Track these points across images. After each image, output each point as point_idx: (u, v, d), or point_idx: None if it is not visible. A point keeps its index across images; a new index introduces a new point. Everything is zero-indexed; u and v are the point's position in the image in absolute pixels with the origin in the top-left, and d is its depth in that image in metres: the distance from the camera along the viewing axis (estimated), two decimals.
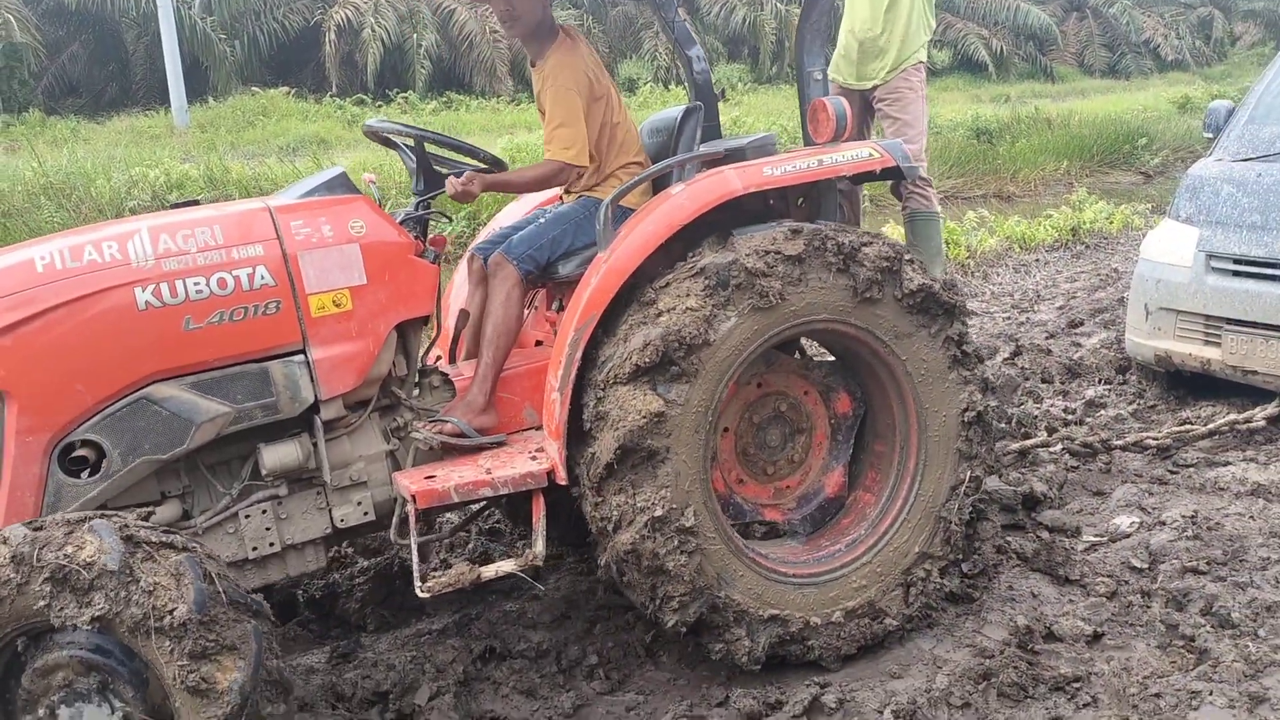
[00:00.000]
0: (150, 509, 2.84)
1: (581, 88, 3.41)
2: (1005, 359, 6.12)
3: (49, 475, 2.73)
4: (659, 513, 2.86)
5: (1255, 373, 4.82)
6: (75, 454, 2.76)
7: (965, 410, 3.24)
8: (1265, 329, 4.75)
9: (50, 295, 2.71)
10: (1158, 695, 2.87)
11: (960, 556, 3.40)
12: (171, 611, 2.31)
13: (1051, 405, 5.39)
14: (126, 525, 2.43)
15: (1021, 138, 17.55)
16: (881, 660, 3.19)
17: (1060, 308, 7.61)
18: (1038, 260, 9.73)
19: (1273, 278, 4.77)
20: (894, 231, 6.85)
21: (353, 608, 3.71)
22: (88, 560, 2.31)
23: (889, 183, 5.02)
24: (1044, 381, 5.83)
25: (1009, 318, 7.49)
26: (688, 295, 2.93)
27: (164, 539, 2.45)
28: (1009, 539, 3.86)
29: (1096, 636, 3.24)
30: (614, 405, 2.89)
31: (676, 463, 2.90)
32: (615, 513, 2.90)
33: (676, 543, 2.89)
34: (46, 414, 2.70)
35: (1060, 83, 31.17)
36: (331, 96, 21.78)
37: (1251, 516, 3.91)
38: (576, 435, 3.00)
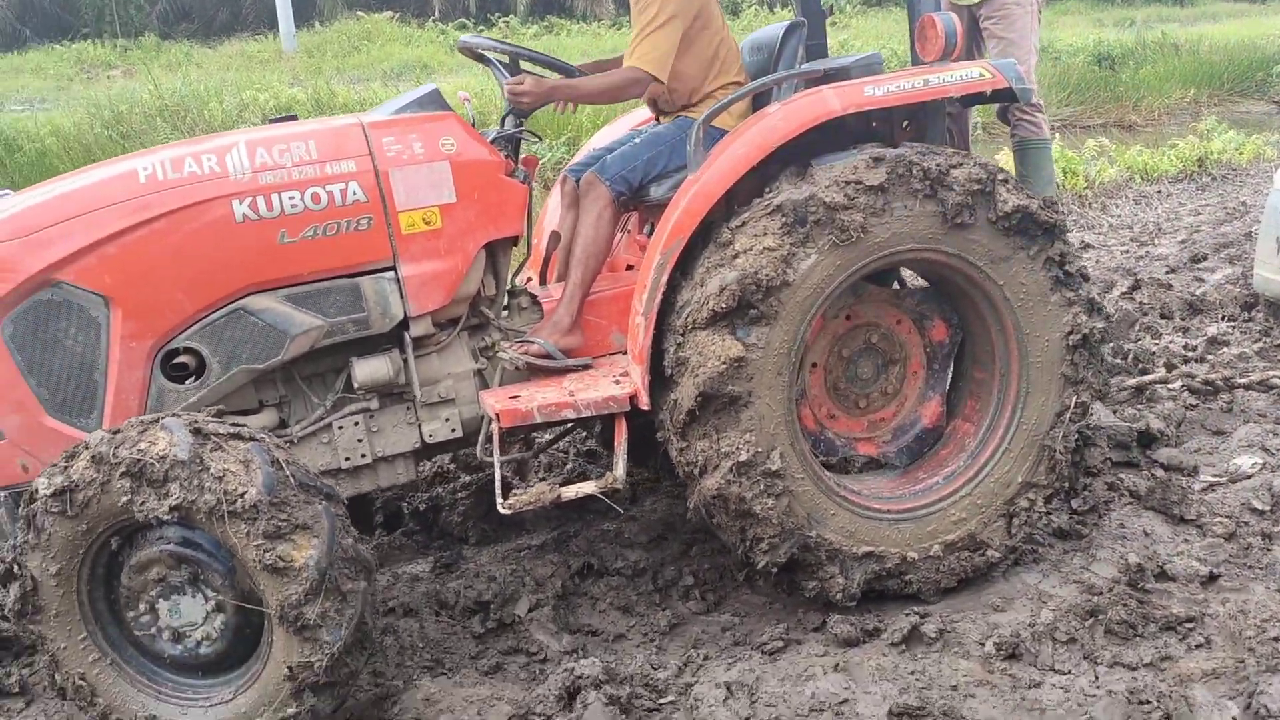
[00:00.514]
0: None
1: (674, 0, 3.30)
2: (1123, 293, 5.87)
3: (151, 380, 2.83)
4: (744, 457, 2.83)
5: None
6: (177, 360, 2.85)
7: (1069, 334, 3.08)
8: None
9: (154, 205, 2.78)
10: (1276, 639, 2.76)
11: (1066, 486, 3.27)
12: (242, 495, 2.40)
13: (1170, 342, 5.15)
14: (195, 420, 2.53)
15: (1146, 64, 16.66)
16: (984, 593, 3.13)
17: (1183, 241, 7.26)
18: (1160, 192, 9.27)
19: None
20: (1005, 161, 6.59)
21: (455, 521, 3.80)
22: (160, 454, 2.41)
23: (997, 107, 4.78)
24: (1163, 318, 5.58)
25: (1127, 251, 7.19)
26: (764, 234, 2.84)
27: (232, 431, 2.55)
28: (1122, 476, 3.73)
29: (1212, 578, 3.12)
30: (693, 351, 2.85)
31: (760, 406, 2.85)
32: (700, 458, 2.88)
33: (763, 486, 2.86)
34: (149, 320, 2.79)
35: (1190, 6, 29.41)
36: (434, 21, 21.87)
37: None
38: (662, 365, 2.98)
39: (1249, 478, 3.71)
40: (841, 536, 3.01)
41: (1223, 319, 5.52)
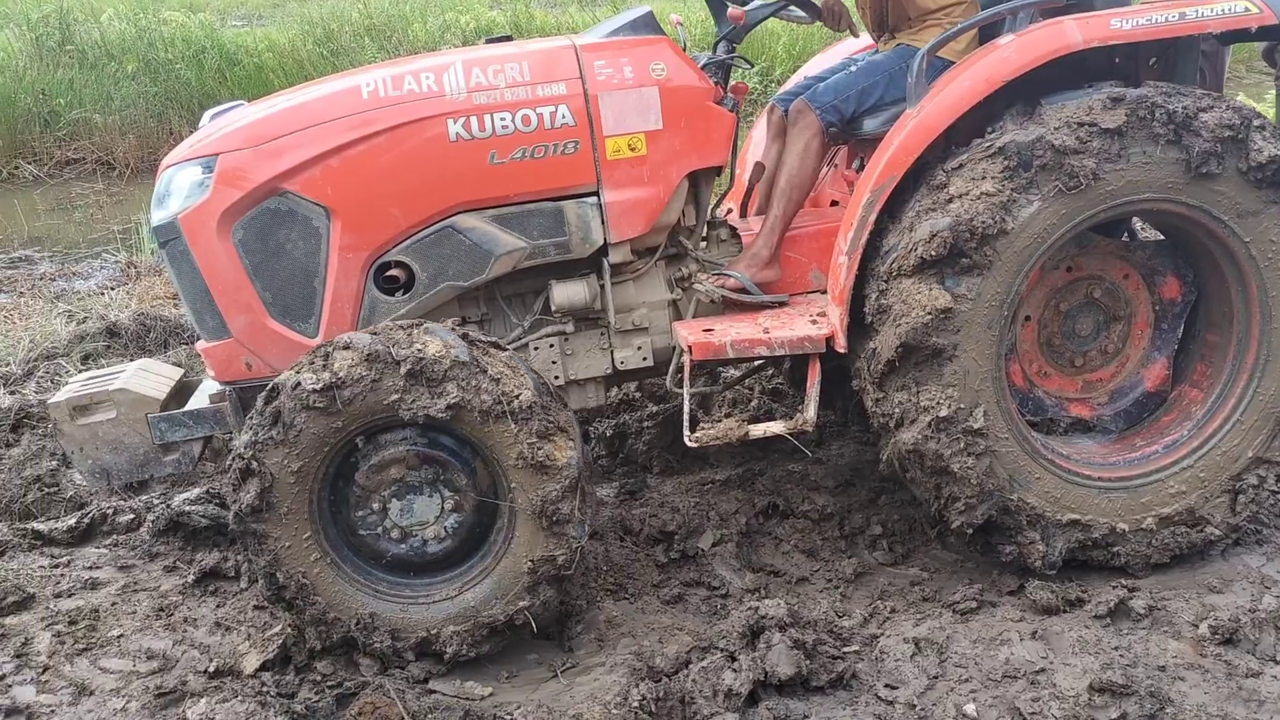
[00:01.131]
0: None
1: None
2: None
3: (365, 290, 2.93)
4: (944, 413, 2.71)
5: None
6: (389, 273, 2.94)
7: None
8: None
9: (374, 121, 2.84)
10: None
11: None
12: (518, 396, 2.54)
13: None
14: (457, 328, 2.65)
15: None
16: (1200, 572, 2.92)
17: None
18: None
19: None
20: (1267, 109, 5.98)
21: (640, 449, 3.82)
22: (438, 355, 2.52)
23: (1262, 45, 4.29)
24: None
25: None
26: (983, 178, 2.66)
27: (490, 340, 2.68)
28: None
29: None
30: (897, 299, 2.73)
31: (965, 360, 2.72)
32: (897, 410, 2.78)
33: (963, 444, 2.74)
34: (366, 233, 2.88)
35: None
36: None
37: None
38: (862, 309, 2.87)
39: None
40: (1046, 502, 2.85)
41: None
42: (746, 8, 3.23)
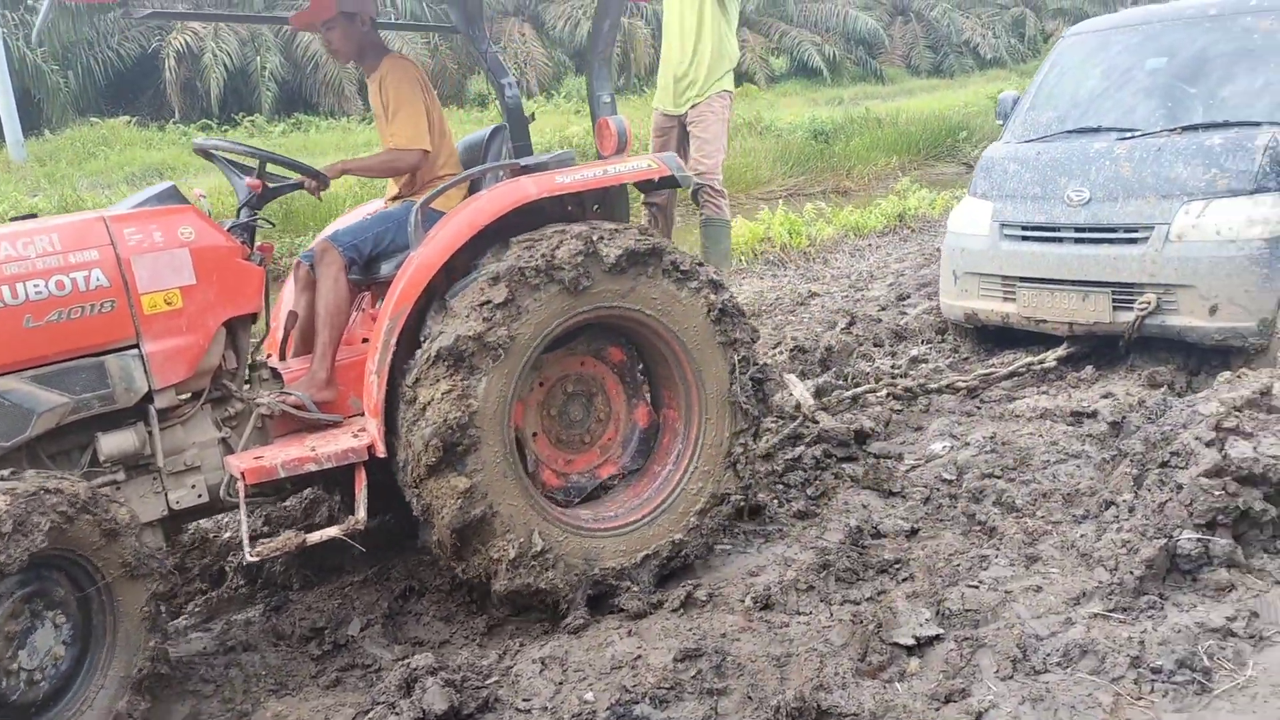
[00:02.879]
0: None
1: (418, 84, 3.93)
2: (842, 329, 6.88)
3: None
4: (513, 554, 3.33)
5: (1045, 321, 5.68)
6: None
7: (707, 311, 3.65)
8: (1050, 283, 5.62)
9: None
10: (957, 565, 3.59)
11: (759, 418, 3.86)
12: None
13: (881, 364, 6.16)
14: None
15: (855, 136, 18.76)
16: (744, 564, 3.82)
17: (890, 284, 8.48)
18: (870, 245, 10.68)
19: (1053, 240, 5.65)
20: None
21: (278, 571, 4.11)
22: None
23: (692, 191, 5.96)
24: (875, 345, 6.62)
25: (846, 295, 8.31)
26: (438, 382, 3.26)
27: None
28: (844, 466, 4.57)
29: (913, 531, 3.95)
30: (432, 499, 3.29)
31: (504, 509, 3.33)
32: (434, 501, 3.30)
33: (540, 566, 3.38)
34: None
35: (890, 83, 33.02)
36: (174, 123, 21.43)
37: (1039, 434, 4.72)
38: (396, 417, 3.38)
39: (940, 458, 4.63)
40: (623, 557, 3.58)
41: (922, 342, 6.62)
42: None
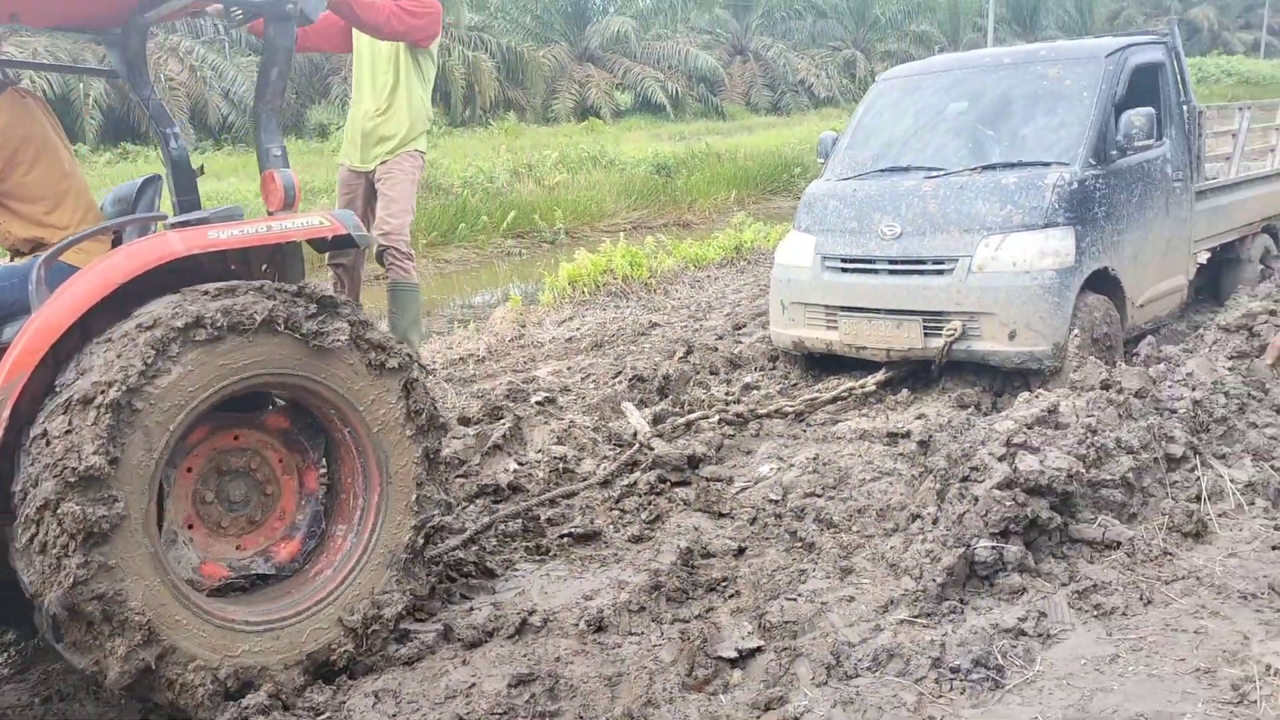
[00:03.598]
0: None
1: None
2: (680, 358, 7.11)
3: None
4: (94, 592, 2.86)
5: (865, 348, 6.03)
6: None
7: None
8: (868, 312, 5.98)
9: None
10: (779, 580, 3.79)
11: (441, 498, 3.64)
12: None
13: (716, 390, 6.40)
14: None
15: (696, 171, 19.36)
16: (580, 588, 3.92)
17: (727, 314, 8.80)
18: (709, 276, 11.04)
19: (869, 271, 6.02)
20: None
21: None
22: None
23: (376, 252, 5.61)
24: (711, 373, 6.86)
25: (685, 325, 8.58)
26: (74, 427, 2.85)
27: None
28: (677, 491, 4.74)
29: (740, 550, 4.14)
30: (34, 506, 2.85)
31: (133, 601, 2.92)
32: (44, 577, 2.87)
33: (179, 672, 2.99)
34: None
35: (730, 120, 34.12)
36: None
37: (857, 454, 5.01)
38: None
39: (767, 479, 4.86)
40: (270, 655, 3.20)
41: (755, 370, 6.91)
42: None
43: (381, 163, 5.63)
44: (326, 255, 5.26)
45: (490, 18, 34.08)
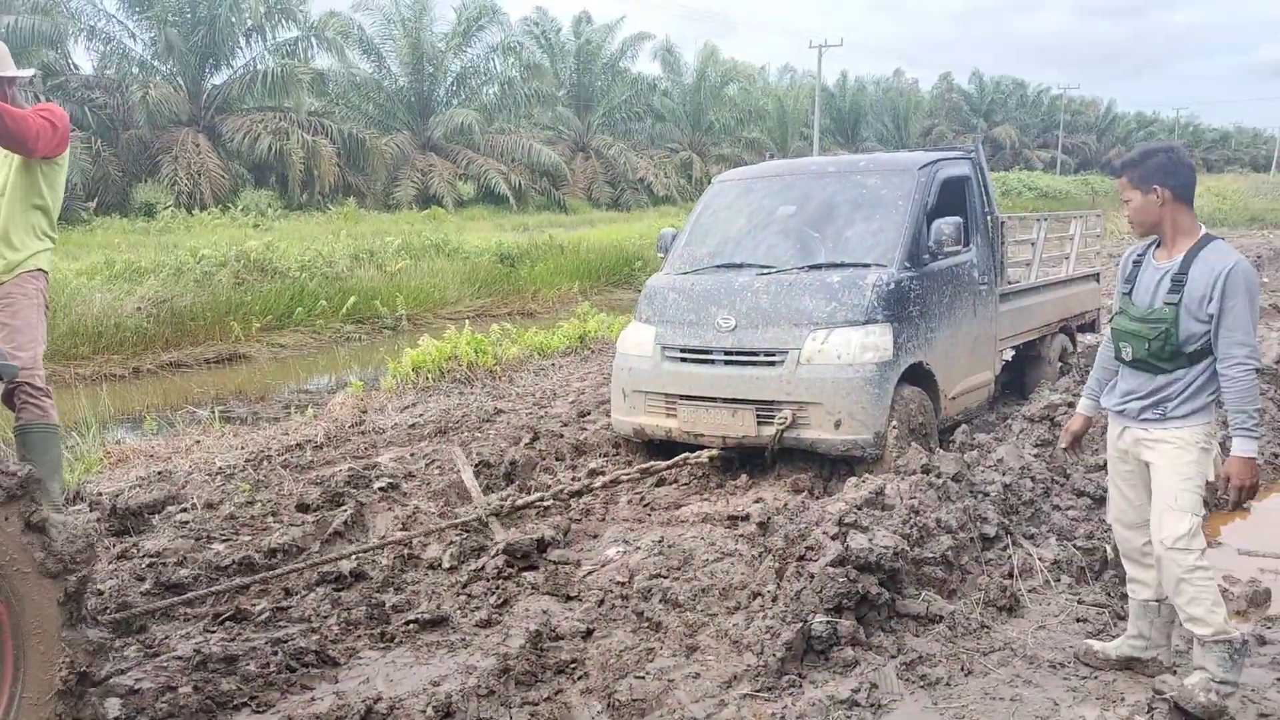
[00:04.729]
0: None
1: None
2: (526, 444, 7.17)
3: None
4: None
5: (702, 434, 6.26)
6: None
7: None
8: (705, 400, 6.22)
9: None
10: (627, 660, 3.87)
11: None
12: None
13: (562, 476, 6.49)
14: None
15: (540, 262, 19.66)
16: (426, 673, 3.89)
17: (572, 401, 8.94)
18: (554, 364, 11.19)
19: (706, 361, 6.29)
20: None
21: None
22: None
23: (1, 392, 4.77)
24: (558, 459, 6.95)
25: (530, 412, 8.66)
26: None
27: None
28: (525, 574, 4.77)
29: (589, 631, 4.20)
30: None
31: None
32: None
33: None
34: None
35: (572, 214, 34.88)
36: None
37: (700, 537, 5.18)
38: None
39: (614, 562, 4.96)
40: None
41: (600, 455, 7.04)
42: None
43: None
44: None
45: (331, 104, 33.95)
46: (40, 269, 4.88)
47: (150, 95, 27.12)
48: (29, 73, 5.16)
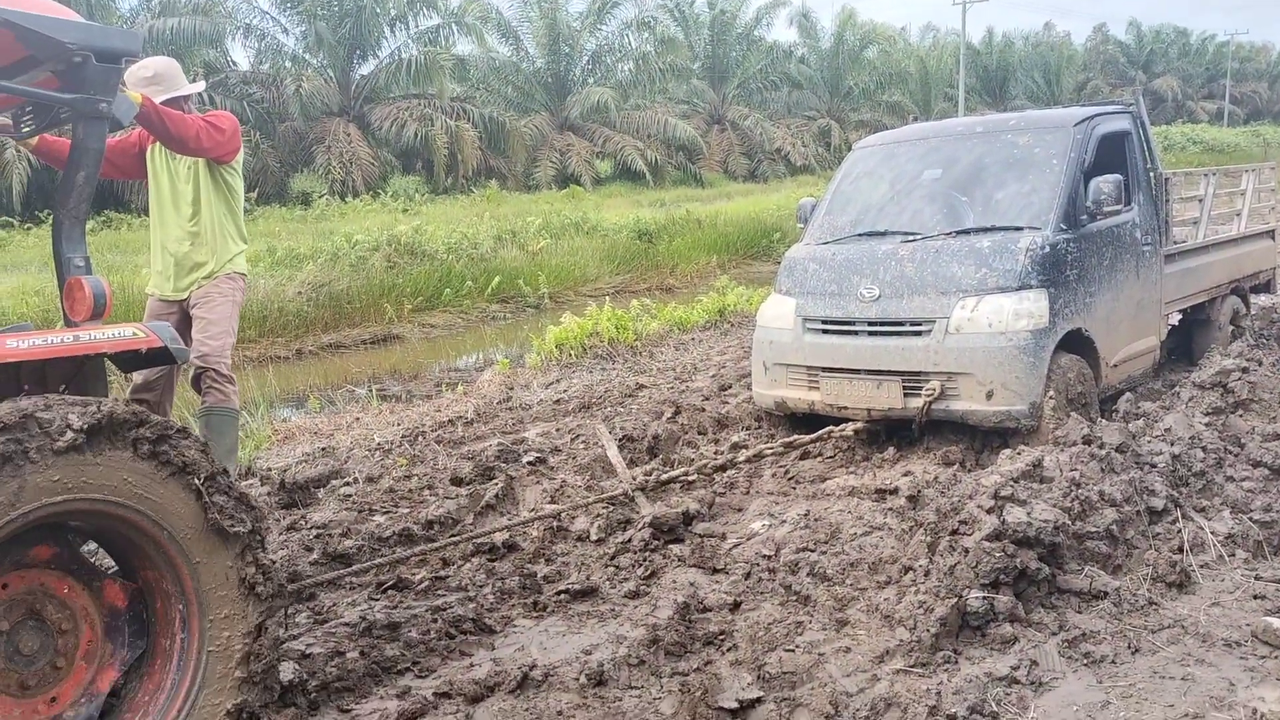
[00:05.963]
0: None
1: None
2: (668, 418, 7.21)
3: None
4: None
5: (846, 407, 6.15)
6: None
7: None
8: (848, 373, 6.11)
9: None
10: (776, 633, 3.86)
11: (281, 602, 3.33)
12: None
13: (704, 450, 6.50)
14: None
15: (678, 236, 19.68)
16: (578, 642, 3.97)
17: (713, 376, 8.93)
18: (694, 339, 11.20)
19: (849, 333, 6.17)
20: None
21: None
22: None
23: (192, 376, 5.20)
24: (700, 433, 6.97)
25: (671, 387, 8.70)
26: None
27: None
28: (671, 547, 4.81)
29: (736, 604, 4.21)
30: None
31: None
32: None
33: None
34: None
35: (709, 187, 34.72)
36: None
37: (847, 510, 5.11)
38: None
39: (760, 535, 4.95)
40: None
41: (742, 429, 7.02)
42: None
43: (198, 287, 5.21)
44: (128, 389, 5.04)
45: (472, 89, 34.75)
46: (239, 271, 5.35)
47: (303, 88, 28.40)
48: (199, 87, 5.55)
